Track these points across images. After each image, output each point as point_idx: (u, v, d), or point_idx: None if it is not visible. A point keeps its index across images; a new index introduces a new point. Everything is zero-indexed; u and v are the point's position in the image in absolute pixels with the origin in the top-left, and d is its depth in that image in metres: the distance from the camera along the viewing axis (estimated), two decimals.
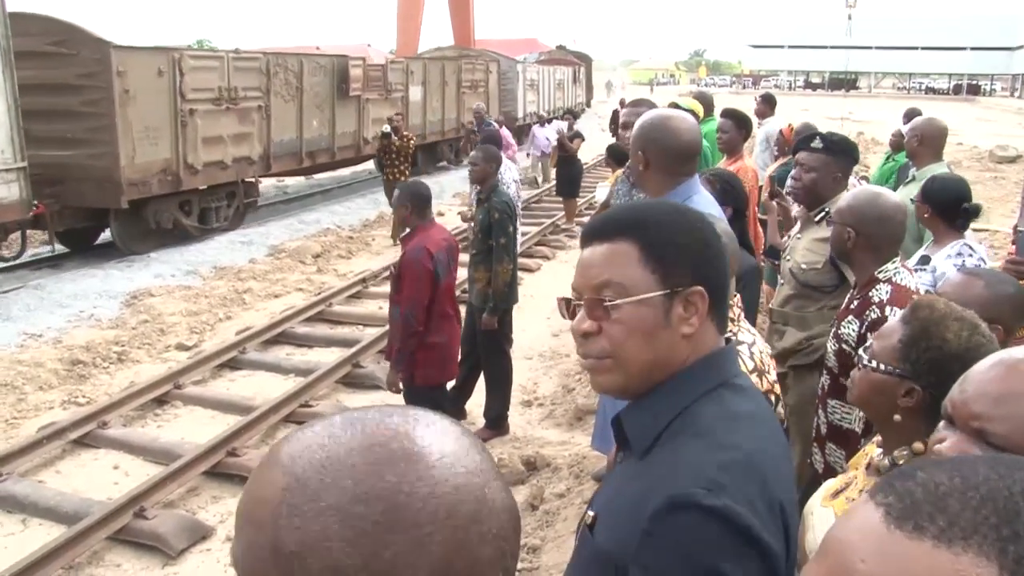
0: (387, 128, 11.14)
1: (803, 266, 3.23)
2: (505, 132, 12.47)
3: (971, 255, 3.15)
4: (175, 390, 5.96)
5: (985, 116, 37.60)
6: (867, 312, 2.50)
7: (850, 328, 2.54)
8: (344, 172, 17.80)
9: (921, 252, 3.39)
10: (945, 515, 0.49)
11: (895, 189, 4.82)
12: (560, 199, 12.74)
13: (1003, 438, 1.14)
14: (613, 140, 7.54)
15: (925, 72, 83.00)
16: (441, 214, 11.50)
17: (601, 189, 5.31)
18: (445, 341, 4.49)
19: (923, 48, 77.20)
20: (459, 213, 8.81)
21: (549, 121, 16.72)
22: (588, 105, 36.07)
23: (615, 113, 16.65)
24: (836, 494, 1.65)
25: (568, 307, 1.28)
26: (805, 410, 2.96)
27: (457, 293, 4.84)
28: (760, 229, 5.01)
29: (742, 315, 2.05)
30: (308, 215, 12.95)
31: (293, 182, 17.05)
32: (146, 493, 4.34)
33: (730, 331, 1.88)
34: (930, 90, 74.53)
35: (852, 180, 3.83)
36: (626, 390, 1.23)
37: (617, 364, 1.20)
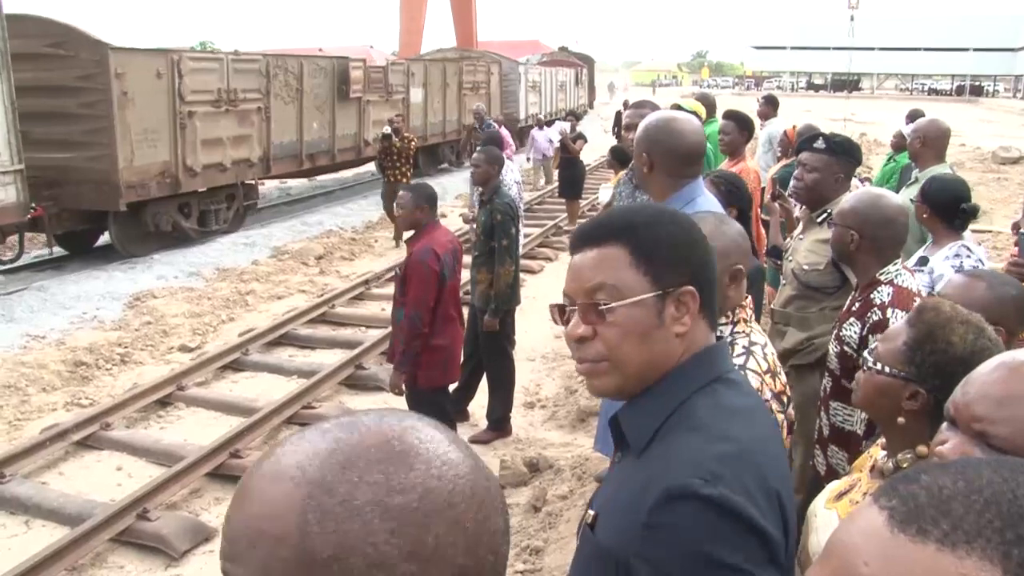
0: (387, 129, 11.05)
1: (805, 267, 3.23)
2: (504, 132, 12.45)
3: (969, 256, 3.15)
4: (178, 391, 5.96)
5: (988, 117, 37.54)
6: (869, 314, 2.50)
7: (852, 330, 2.54)
8: (347, 174, 17.80)
9: (920, 253, 3.39)
10: (949, 518, 0.49)
11: (897, 190, 4.82)
12: (563, 200, 12.74)
13: (1005, 440, 1.14)
14: (615, 142, 7.55)
15: (928, 73, 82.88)
16: (443, 216, 11.50)
17: (604, 190, 5.31)
18: (448, 343, 4.48)
19: (926, 49, 77.06)
20: (461, 215, 8.80)
21: (550, 124, 16.63)
22: (590, 107, 36.10)
23: (618, 114, 16.68)
24: (840, 496, 1.65)
25: (562, 314, 1.29)
26: (806, 410, 2.96)
27: (460, 295, 4.84)
28: (762, 231, 5.00)
29: (753, 316, 2.05)
30: (311, 217, 12.96)
31: (296, 184, 17.05)
32: (149, 495, 4.35)
33: (744, 331, 1.88)
34: (933, 91, 74.39)
35: (854, 182, 3.84)
36: (623, 392, 1.25)
37: (613, 366, 1.22)
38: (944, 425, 1.25)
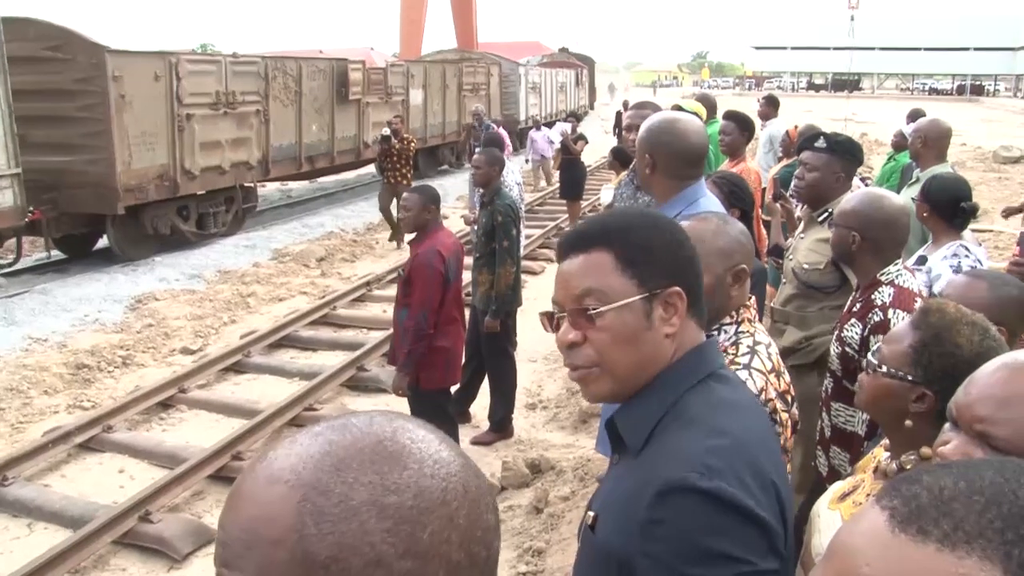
0: (386, 131, 11.00)
1: (805, 266, 3.23)
2: (502, 132, 12.44)
3: (967, 256, 3.15)
4: (180, 394, 5.96)
5: (989, 116, 37.51)
6: (870, 315, 2.49)
7: (853, 331, 2.53)
8: (348, 175, 17.79)
9: (919, 252, 3.40)
10: (949, 519, 0.49)
11: (897, 189, 4.82)
12: (563, 201, 12.74)
13: (1006, 441, 1.14)
14: (616, 142, 7.55)
15: (928, 73, 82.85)
16: (445, 217, 11.46)
17: (606, 192, 5.31)
18: (450, 345, 4.48)
19: (926, 49, 77.03)
20: (462, 216, 8.80)
21: (549, 125, 16.62)
22: (591, 107, 36.08)
23: (618, 115, 16.67)
24: (843, 497, 1.64)
25: (551, 321, 1.31)
26: (806, 410, 2.95)
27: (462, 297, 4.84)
28: (763, 231, 5.01)
29: (757, 316, 2.05)
30: (312, 219, 12.96)
31: (296, 186, 17.05)
32: (151, 497, 4.35)
33: (749, 331, 1.89)
34: (933, 91, 74.36)
35: (855, 181, 3.83)
36: (617, 395, 1.27)
37: (605, 371, 1.24)
38: (947, 425, 1.25)
